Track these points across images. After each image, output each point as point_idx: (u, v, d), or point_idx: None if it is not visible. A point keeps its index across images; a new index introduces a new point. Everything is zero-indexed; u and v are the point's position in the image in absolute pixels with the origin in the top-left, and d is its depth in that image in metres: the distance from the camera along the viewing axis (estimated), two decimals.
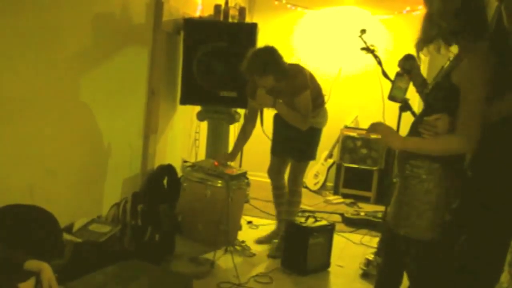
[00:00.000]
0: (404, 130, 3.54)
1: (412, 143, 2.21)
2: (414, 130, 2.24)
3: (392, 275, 2.49)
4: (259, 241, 4.29)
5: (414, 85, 2.49)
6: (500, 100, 2.11)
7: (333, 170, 6.45)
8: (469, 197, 2.17)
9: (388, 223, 2.41)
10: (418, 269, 2.23)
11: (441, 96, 2.17)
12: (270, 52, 3.69)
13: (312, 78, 3.97)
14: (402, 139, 2.23)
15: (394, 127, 3.71)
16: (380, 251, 2.60)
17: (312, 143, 4.13)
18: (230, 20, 4.77)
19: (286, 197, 4.22)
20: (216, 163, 4.09)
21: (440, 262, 2.19)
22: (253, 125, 4.15)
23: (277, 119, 4.12)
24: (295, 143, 4.03)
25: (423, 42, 2.17)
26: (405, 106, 3.42)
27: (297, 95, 3.77)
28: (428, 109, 2.29)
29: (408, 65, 2.40)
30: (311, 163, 5.93)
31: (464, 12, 2.04)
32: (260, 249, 4.16)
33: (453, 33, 2.07)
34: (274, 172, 4.26)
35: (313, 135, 4.08)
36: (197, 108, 4.96)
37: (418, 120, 2.25)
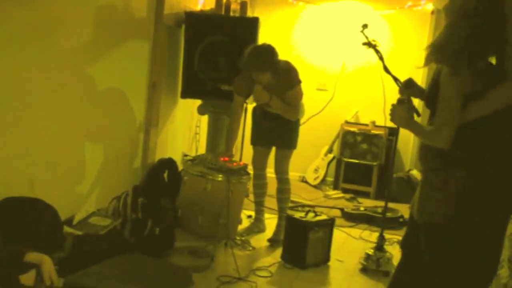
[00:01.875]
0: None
1: (412, 126, 2.35)
2: None
3: (411, 270, 2.54)
4: (270, 239, 4.26)
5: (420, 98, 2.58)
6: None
7: (333, 165, 6.45)
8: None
9: (413, 217, 2.48)
10: (436, 257, 2.30)
11: (435, 96, 2.24)
12: (269, 50, 3.86)
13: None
14: (407, 120, 2.35)
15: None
16: (402, 245, 2.65)
17: (293, 132, 4.24)
18: (231, 14, 4.77)
19: (267, 187, 4.40)
20: (225, 159, 4.11)
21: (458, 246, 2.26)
22: (240, 120, 4.26)
23: (256, 111, 4.26)
24: (279, 132, 4.17)
25: None
26: None
27: (290, 89, 3.97)
28: (430, 109, 2.36)
29: (408, 93, 2.49)
30: (311, 157, 5.92)
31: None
32: (260, 243, 4.17)
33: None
34: (259, 161, 4.35)
35: (295, 125, 4.22)
36: (198, 102, 4.96)
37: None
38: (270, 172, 4.39)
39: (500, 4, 2.11)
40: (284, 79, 3.93)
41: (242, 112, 4.23)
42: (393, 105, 2.42)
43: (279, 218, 4.28)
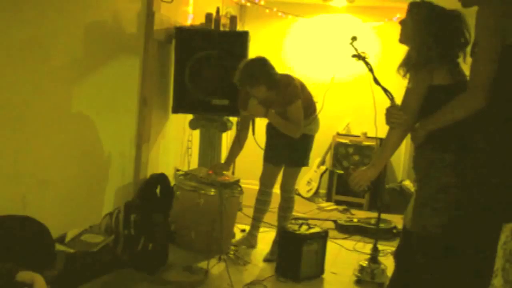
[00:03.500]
0: None
1: (380, 162, 2.57)
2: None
3: (405, 280, 2.55)
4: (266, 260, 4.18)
5: None
6: None
7: (325, 177, 6.46)
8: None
9: (406, 228, 2.51)
10: (430, 265, 2.33)
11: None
12: (262, 63, 3.78)
13: (303, 87, 4.06)
14: (371, 166, 2.55)
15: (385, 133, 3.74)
16: (395, 256, 2.66)
17: (305, 150, 4.18)
18: (221, 28, 4.78)
19: (269, 205, 4.36)
20: (210, 171, 4.10)
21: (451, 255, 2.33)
22: (246, 135, 4.18)
23: (269, 127, 4.18)
24: (288, 150, 4.08)
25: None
26: None
27: (289, 105, 3.86)
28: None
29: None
30: (304, 170, 5.93)
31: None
32: (254, 257, 4.15)
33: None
34: (268, 179, 4.31)
35: (306, 142, 4.14)
36: (189, 117, 4.95)
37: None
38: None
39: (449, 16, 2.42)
40: (282, 94, 3.84)
41: (246, 126, 4.15)
42: (352, 175, 2.57)
43: (277, 236, 4.23)
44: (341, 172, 6.22)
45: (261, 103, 3.85)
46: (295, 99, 3.86)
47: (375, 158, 2.55)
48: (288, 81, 3.91)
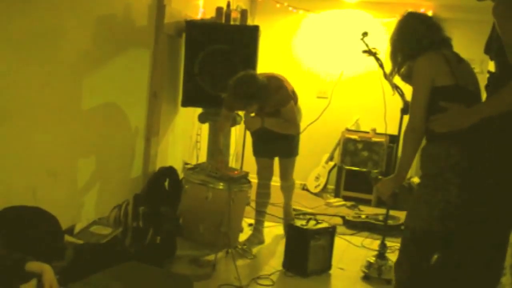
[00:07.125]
0: None
1: (401, 172, 2.56)
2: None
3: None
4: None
5: None
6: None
7: (334, 172, 6.44)
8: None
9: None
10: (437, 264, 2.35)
11: None
12: (248, 82, 3.79)
13: (288, 83, 4.15)
14: (394, 177, 2.61)
15: (396, 130, 3.73)
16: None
17: (296, 140, 4.32)
18: (231, 22, 4.77)
19: (269, 197, 4.45)
20: (219, 167, 4.11)
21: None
22: (225, 132, 4.44)
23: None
24: (279, 143, 4.22)
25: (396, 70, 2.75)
26: (406, 109, 3.42)
27: (282, 106, 4.00)
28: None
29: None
30: (312, 165, 5.91)
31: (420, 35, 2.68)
32: (261, 252, 4.16)
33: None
34: (265, 171, 4.41)
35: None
36: (199, 110, 4.96)
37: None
38: (275, 180, 4.40)
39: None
40: (274, 98, 3.94)
41: (229, 124, 4.35)
42: (377, 184, 2.74)
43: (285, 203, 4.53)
44: (350, 168, 6.21)
45: (255, 111, 4.03)
46: (288, 101, 3.99)
47: (397, 168, 2.58)
48: (278, 84, 4.00)
